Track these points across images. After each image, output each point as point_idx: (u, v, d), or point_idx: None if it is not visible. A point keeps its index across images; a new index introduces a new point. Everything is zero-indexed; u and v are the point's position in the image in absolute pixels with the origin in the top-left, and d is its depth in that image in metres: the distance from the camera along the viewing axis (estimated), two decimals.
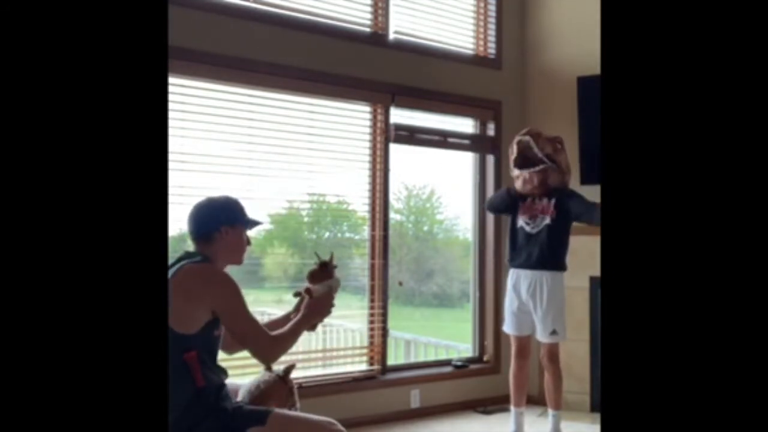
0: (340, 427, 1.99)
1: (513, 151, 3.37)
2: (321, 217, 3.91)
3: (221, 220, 2.06)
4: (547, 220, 3.26)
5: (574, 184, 3.65)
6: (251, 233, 2.18)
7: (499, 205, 3.51)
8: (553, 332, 3.27)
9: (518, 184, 3.35)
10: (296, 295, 2.23)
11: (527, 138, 3.31)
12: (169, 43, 1.67)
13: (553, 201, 3.28)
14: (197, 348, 1.90)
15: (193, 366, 1.87)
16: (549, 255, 3.26)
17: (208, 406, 1.90)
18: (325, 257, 2.21)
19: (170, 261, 2.01)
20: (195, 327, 1.90)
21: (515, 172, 3.36)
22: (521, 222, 3.35)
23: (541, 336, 3.30)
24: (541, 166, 3.26)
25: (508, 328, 3.44)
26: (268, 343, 1.98)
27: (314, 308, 2.10)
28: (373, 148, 3.88)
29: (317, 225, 3.93)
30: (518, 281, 3.34)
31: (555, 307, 3.26)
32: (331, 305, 2.16)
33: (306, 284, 2.18)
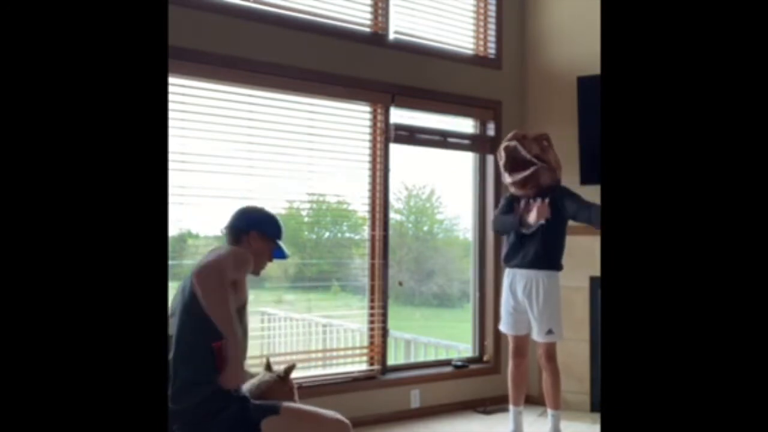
0: (349, 427, 2.09)
1: (501, 157, 3.37)
2: (321, 217, 3.91)
3: (254, 225, 2.19)
4: (542, 221, 3.26)
5: (575, 184, 3.65)
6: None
7: (506, 210, 3.45)
8: (549, 332, 3.27)
9: (514, 191, 3.34)
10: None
11: (513, 143, 3.32)
12: (169, 43, 1.67)
13: (546, 201, 3.27)
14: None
15: (220, 356, 1.95)
16: (544, 255, 3.26)
17: (229, 395, 1.99)
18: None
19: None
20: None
21: (507, 178, 3.36)
22: None
23: (538, 336, 3.30)
24: (531, 169, 3.26)
25: (504, 327, 3.44)
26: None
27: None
28: (373, 148, 3.88)
29: (317, 225, 3.93)
30: (514, 281, 3.35)
31: (551, 307, 3.26)
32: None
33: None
